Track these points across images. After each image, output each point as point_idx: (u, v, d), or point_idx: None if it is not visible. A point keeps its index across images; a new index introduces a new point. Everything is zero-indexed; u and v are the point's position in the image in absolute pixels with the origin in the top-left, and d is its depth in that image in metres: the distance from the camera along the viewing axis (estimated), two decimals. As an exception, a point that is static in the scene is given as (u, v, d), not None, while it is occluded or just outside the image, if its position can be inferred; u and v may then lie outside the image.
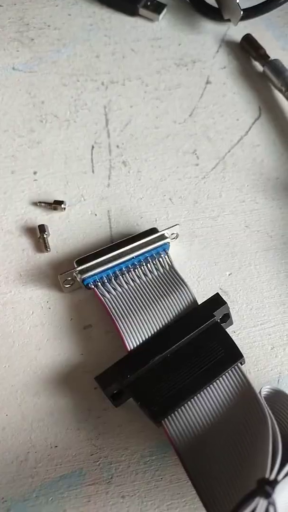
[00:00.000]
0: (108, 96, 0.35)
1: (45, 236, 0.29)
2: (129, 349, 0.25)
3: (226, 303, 0.26)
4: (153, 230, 0.29)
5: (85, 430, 0.25)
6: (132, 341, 0.25)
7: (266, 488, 0.17)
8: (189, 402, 0.23)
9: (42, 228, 0.30)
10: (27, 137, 0.33)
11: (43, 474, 0.24)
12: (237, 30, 0.39)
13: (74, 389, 0.26)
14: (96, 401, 0.26)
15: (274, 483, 0.17)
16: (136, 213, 0.31)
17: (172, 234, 0.29)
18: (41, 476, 0.24)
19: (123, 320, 0.26)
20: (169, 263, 0.28)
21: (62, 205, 0.31)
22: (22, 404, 0.26)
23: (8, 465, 0.24)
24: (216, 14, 0.39)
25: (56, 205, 0.31)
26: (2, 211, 0.31)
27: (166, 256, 0.28)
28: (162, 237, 0.28)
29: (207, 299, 0.26)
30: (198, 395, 0.23)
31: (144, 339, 0.25)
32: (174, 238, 0.30)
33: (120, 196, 0.32)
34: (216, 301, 0.26)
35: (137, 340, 0.25)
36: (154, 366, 0.24)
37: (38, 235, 0.30)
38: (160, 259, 0.28)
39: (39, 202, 0.31)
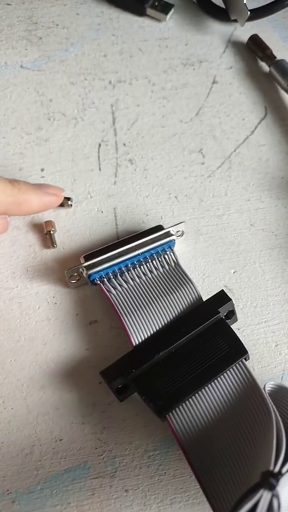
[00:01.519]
0: (116, 95, 0.36)
1: (51, 232, 0.30)
2: (134, 344, 0.25)
3: (231, 299, 0.26)
4: (159, 228, 0.29)
5: (90, 424, 0.26)
6: (137, 337, 0.25)
7: (270, 480, 0.17)
8: (193, 397, 0.23)
9: (49, 224, 0.30)
10: (35, 134, 0.34)
11: (48, 467, 0.25)
12: (243, 31, 0.39)
13: (79, 383, 0.26)
14: (100, 395, 0.26)
15: (278, 475, 0.17)
16: (142, 210, 0.32)
17: (177, 231, 0.29)
18: (46, 469, 0.25)
19: (128, 316, 0.26)
20: (175, 260, 0.28)
21: (69, 202, 0.31)
22: (28, 398, 0.26)
23: (13, 457, 0.25)
24: (223, 15, 0.39)
25: (63, 201, 0.31)
26: (10, 207, 0.31)
27: (171, 253, 0.29)
28: (168, 234, 0.29)
29: (212, 296, 0.26)
30: (203, 390, 0.24)
31: (149, 334, 0.25)
32: (179, 236, 0.30)
33: (126, 194, 0.32)
34: (221, 297, 0.26)
35: (142, 336, 0.25)
36: (159, 361, 0.24)
37: (45, 231, 0.30)
38: (166, 256, 0.28)
39: (46, 199, 0.31)
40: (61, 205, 0.31)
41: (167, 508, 0.24)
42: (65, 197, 0.31)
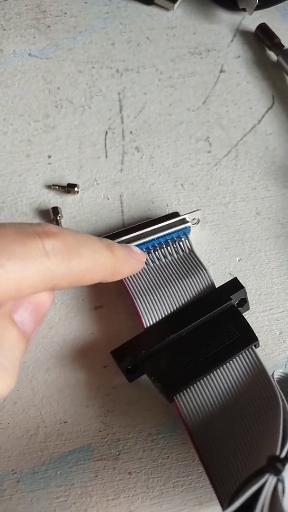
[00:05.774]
0: (123, 83, 0.36)
1: (58, 218, 0.30)
2: (145, 326, 0.25)
3: (243, 287, 0.26)
4: (175, 214, 0.29)
5: (94, 407, 0.26)
6: (149, 319, 0.26)
7: (276, 464, 0.17)
8: (202, 381, 0.24)
9: (55, 211, 0.30)
10: (42, 122, 0.34)
11: (53, 448, 0.25)
12: (252, 20, 0.39)
13: (84, 367, 0.27)
14: (105, 379, 0.26)
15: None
16: (148, 198, 0.32)
17: (193, 219, 0.29)
18: (51, 450, 0.25)
19: (141, 298, 0.26)
20: (189, 246, 0.28)
21: (76, 189, 0.31)
22: (33, 380, 0.26)
23: (18, 438, 0.25)
24: (231, 4, 0.39)
25: (69, 188, 0.31)
26: (17, 194, 0.31)
27: (186, 240, 0.29)
28: (184, 221, 0.29)
29: (225, 283, 0.26)
30: (212, 374, 0.24)
31: (160, 317, 0.26)
32: (195, 223, 0.30)
33: (133, 181, 0.32)
34: (234, 285, 0.26)
35: (153, 318, 0.26)
36: (169, 344, 0.25)
37: (51, 217, 0.30)
38: (181, 243, 0.28)
39: (53, 185, 0.31)
40: (68, 191, 0.31)
41: (170, 491, 0.24)
42: (71, 184, 0.31)
